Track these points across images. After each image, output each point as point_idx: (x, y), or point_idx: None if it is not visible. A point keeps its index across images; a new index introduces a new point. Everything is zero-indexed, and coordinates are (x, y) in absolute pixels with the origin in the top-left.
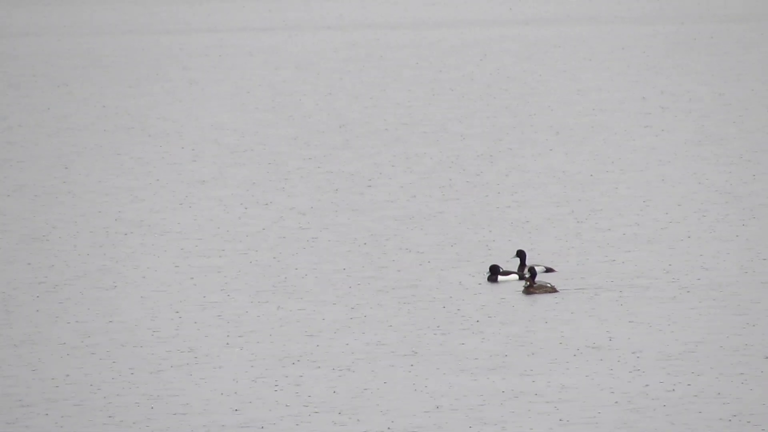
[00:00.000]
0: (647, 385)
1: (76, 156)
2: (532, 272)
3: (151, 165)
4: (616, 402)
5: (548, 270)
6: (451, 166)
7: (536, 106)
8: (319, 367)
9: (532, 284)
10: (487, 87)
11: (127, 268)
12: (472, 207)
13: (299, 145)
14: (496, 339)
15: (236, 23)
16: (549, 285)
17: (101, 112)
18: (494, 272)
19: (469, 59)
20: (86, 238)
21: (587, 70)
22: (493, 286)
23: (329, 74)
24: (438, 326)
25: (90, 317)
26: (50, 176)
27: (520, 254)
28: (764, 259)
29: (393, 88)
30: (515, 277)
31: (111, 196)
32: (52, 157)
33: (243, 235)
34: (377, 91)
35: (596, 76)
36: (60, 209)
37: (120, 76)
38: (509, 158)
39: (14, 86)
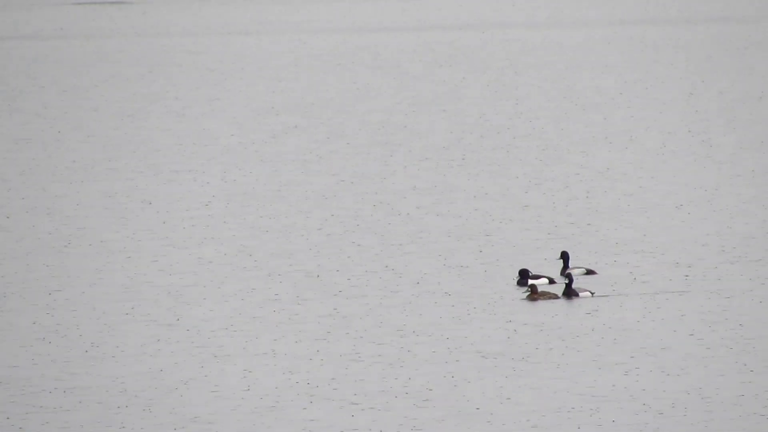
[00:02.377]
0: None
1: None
2: (570, 278)
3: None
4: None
5: (589, 272)
6: (490, 166)
7: (573, 106)
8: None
9: (535, 290)
10: (523, 87)
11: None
12: (508, 209)
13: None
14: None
15: (241, 26)
16: (584, 286)
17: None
18: (524, 276)
19: (492, 61)
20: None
21: (625, 72)
22: (514, 291)
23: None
24: (434, 326)
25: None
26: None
27: (564, 255)
28: None
29: (417, 87)
30: (545, 281)
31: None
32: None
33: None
34: (402, 92)
35: (635, 77)
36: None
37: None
38: (548, 158)
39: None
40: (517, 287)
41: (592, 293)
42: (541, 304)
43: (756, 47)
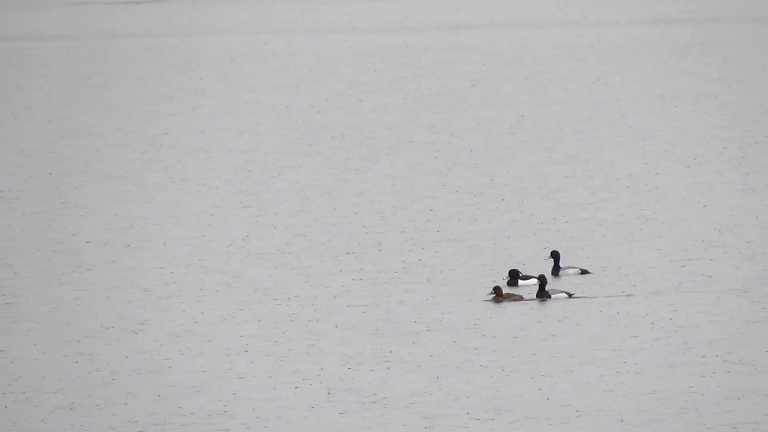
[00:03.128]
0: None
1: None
2: (542, 280)
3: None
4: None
5: (583, 272)
6: (485, 167)
7: (580, 109)
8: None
9: (499, 292)
10: (526, 89)
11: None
12: (507, 210)
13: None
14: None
15: (247, 26)
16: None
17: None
18: (513, 277)
19: (502, 62)
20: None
21: (634, 72)
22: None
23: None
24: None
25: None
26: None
27: (554, 255)
28: None
29: (424, 89)
30: (535, 281)
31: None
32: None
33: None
34: (408, 94)
35: (645, 78)
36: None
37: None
38: (557, 158)
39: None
40: (508, 287)
41: (570, 294)
42: (505, 306)
43: None
